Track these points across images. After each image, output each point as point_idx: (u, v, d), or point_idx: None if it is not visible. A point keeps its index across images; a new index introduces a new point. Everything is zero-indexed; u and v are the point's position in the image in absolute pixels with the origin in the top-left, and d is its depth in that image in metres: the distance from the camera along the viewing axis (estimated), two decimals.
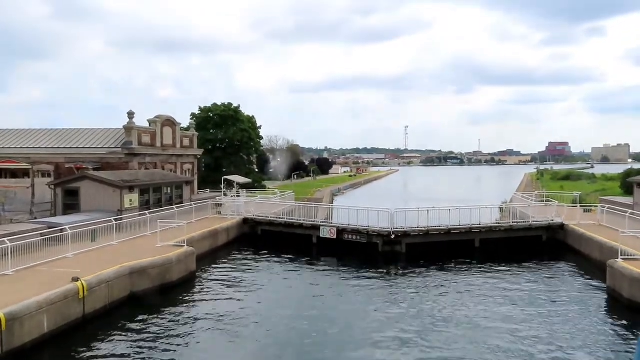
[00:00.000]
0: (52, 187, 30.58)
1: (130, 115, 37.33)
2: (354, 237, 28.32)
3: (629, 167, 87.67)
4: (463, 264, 24.98)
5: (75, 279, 15.75)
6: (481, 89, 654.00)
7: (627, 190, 44.00)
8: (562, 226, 28.64)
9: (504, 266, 24.52)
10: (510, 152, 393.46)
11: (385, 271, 24.09)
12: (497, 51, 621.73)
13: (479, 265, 24.76)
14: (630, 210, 26.18)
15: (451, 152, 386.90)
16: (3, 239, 17.79)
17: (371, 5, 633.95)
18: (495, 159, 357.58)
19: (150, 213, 26.74)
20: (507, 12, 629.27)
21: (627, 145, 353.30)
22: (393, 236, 27.42)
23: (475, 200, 46.18)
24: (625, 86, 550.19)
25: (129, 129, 37.08)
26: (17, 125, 56.55)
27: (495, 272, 23.44)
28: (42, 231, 21.43)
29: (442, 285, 21.15)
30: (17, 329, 13.11)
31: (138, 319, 16.52)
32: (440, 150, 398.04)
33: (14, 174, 38.90)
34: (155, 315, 16.94)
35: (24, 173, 38.40)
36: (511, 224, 29.37)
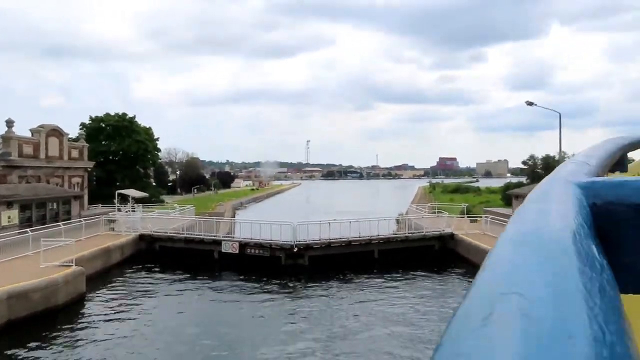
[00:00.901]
0: None
1: (9, 123, 34.04)
2: (257, 252, 28.04)
3: (508, 180, 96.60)
4: (363, 274, 25.79)
5: None
6: (379, 106, 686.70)
7: (507, 201, 48.32)
8: (452, 236, 30.61)
9: (400, 275, 25.70)
10: (405, 167, 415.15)
11: (288, 284, 24.12)
12: (392, 71, 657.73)
13: (378, 275, 25.76)
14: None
15: (351, 166, 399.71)
16: None
17: (273, 22, 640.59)
18: (392, 173, 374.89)
19: (32, 231, 24.36)
20: (402, 36, 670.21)
21: (506, 161, 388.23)
22: (296, 249, 27.57)
23: (374, 213, 48.04)
24: (503, 108, 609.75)
25: (7, 138, 33.75)
26: None
27: (393, 281, 24.51)
28: None
29: (344, 296, 21.67)
30: None
31: (16, 349, 14.86)
32: (340, 165, 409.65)
33: None
34: (38, 344, 15.36)
35: None
36: (407, 234, 30.90)
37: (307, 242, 28.05)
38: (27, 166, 34.91)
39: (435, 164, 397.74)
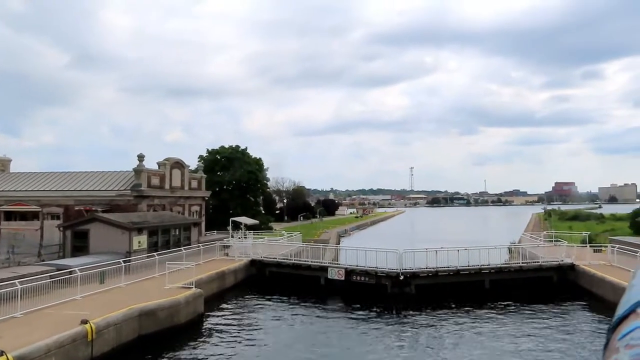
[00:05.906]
0: (62, 229, 30.80)
1: (140, 158, 37.91)
2: (363, 279, 28.10)
3: (637, 206, 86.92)
4: (473, 305, 24.64)
5: (84, 322, 15.68)
6: (485, 130, 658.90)
7: (637, 229, 43.67)
8: (572, 267, 28.31)
9: (514, 308, 24.19)
10: (516, 193, 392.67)
11: (394, 312, 23.81)
12: (499, 94, 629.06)
13: (489, 307, 24.42)
14: None
15: (457, 193, 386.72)
16: (13, 281, 17.88)
17: (374, 52, 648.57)
18: (501, 200, 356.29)
19: (158, 255, 26.76)
20: (506, 57, 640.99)
21: (635, 185, 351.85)
22: (402, 277, 27.21)
23: (484, 241, 45.88)
24: (628, 127, 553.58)
25: (138, 171, 37.58)
26: (28, 169, 57.50)
27: (506, 314, 23.12)
28: (51, 273, 21.48)
29: (453, 328, 20.84)
30: None
31: None
32: (446, 191, 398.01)
33: (24, 216, 39.24)
34: (163, 359, 16.73)
35: (33, 215, 38.74)
36: (521, 264, 29.13)
37: (414, 270, 27.56)
38: (154, 196, 38.51)
39: (550, 189, 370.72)
